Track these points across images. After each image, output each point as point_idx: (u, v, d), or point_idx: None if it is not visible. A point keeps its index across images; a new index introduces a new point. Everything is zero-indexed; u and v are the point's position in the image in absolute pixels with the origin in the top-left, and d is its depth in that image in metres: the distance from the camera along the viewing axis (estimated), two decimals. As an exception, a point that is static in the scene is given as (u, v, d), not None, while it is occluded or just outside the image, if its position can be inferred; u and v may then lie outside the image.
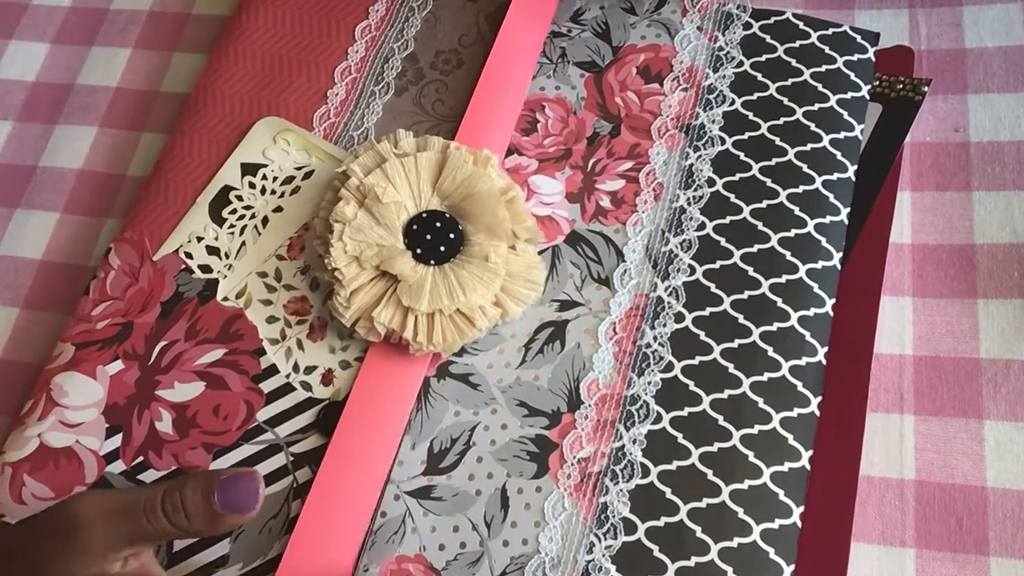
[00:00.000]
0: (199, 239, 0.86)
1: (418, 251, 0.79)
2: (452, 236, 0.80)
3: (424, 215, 0.80)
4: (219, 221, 0.87)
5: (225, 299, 0.84)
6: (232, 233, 0.86)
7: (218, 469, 0.75)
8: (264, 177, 0.89)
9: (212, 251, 0.86)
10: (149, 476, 0.78)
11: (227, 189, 0.88)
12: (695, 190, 0.82)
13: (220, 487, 0.70)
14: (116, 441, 0.79)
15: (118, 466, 0.79)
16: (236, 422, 0.79)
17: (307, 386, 0.80)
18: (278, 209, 0.87)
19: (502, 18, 0.93)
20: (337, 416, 0.77)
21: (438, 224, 0.80)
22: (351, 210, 0.80)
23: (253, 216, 0.87)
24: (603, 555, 0.70)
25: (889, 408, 0.80)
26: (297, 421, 0.79)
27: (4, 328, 0.93)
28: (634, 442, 0.74)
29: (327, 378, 0.80)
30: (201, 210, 0.87)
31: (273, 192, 0.88)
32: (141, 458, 0.79)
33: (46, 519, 0.70)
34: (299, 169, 0.89)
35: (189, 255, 0.86)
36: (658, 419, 0.74)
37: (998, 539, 0.74)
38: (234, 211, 0.87)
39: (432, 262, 0.79)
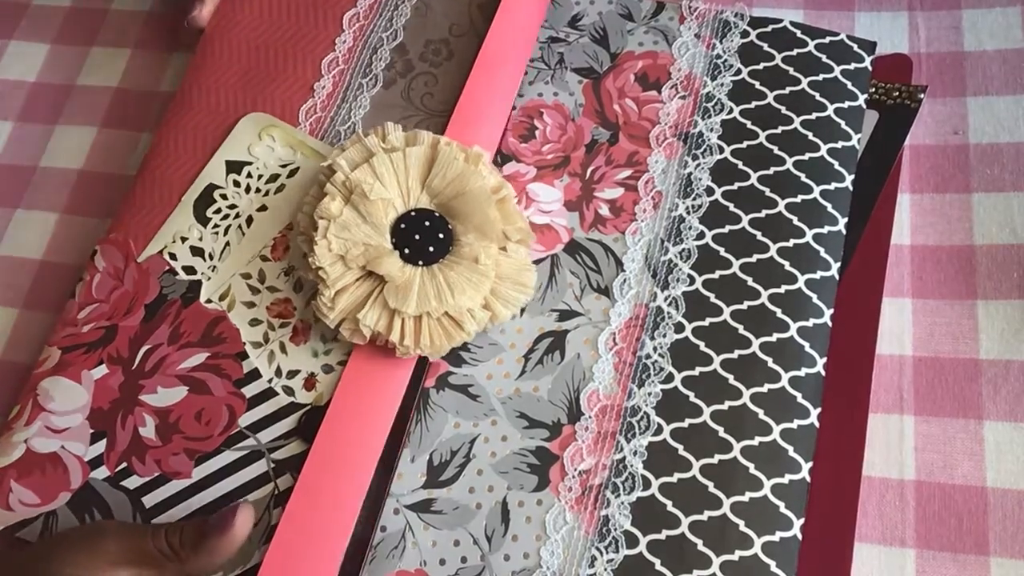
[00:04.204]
0: (183, 239, 0.86)
1: (406, 251, 0.78)
2: (441, 236, 0.79)
3: (412, 213, 0.80)
4: (203, 221, 0.87)
5: (208, 301, 0.83)
6: (216, 233, 0.86)
7: None
8: (249, 175, 0.88)
9: (196, 252, 0.86)
10: (132, 483, 0.78)
11: (212, 188, 0.88)
12: (694, 199, 0.82)
13: (212, 517, 0.73)
14: (100, 447, 0.80)
15: (102, 472, 0.79)
16: (218, 427, 0.79)
17: (289, 391, 0.80)
18: (262, 208, 0.87)
19: (495, 9, 0.92)
20: (319, 422, 0.77)
21: (427, 223, 0.79)
22: (336, 206, 0.79)
23: (238, 216, 0.87)
24: (605, 569, 0.70)
25: (889, 408, 0.80)
26: (279, 427, 0.79)
27: (4, 328, 0.93)
28: (635, 454, 0.74)
29: (310, 383, 0.80)
30: (186, 209, 0.87)
31: (258, 191, 0.87)
32: (124, 464, 0.79)
33: (73, 529, 0.74)
34: (284, 167, 0.88)
35: (173, 256, 0.86)
36: (659, 431, 0.74)
37: (998, 539, 0.75)
38: (219, 210, 0.87)
39: (420, 263, 0.78)
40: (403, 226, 0.79)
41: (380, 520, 0.75)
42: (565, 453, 0.74)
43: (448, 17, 0.94)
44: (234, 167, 0.88)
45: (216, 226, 0.86)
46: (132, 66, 1.06)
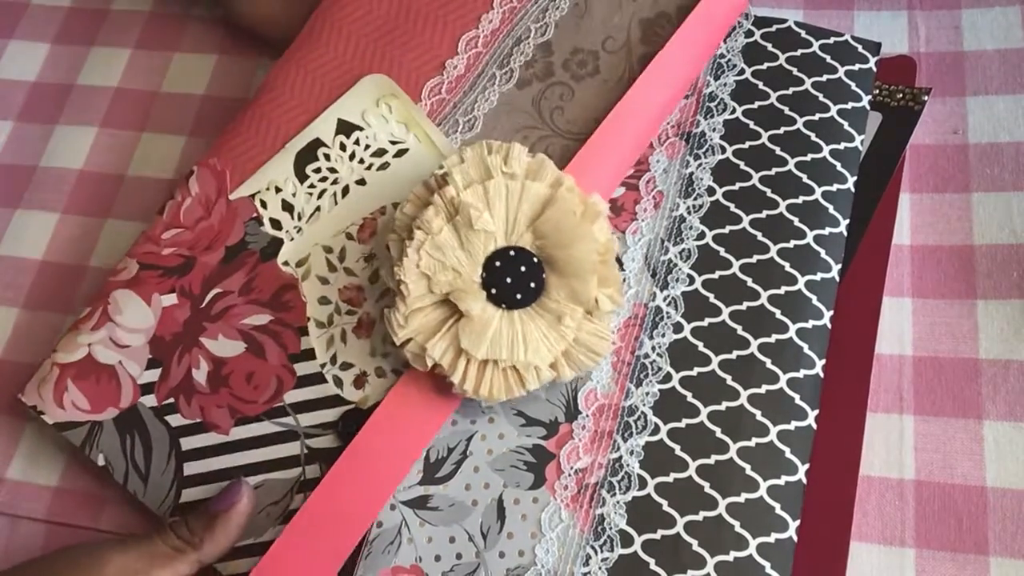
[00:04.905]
0: (278, 190, 0.85)
1: (493, 291, 0.74)
2: (533, 285, 0.75)
3: (512, 253, 0.75)
4: (301, 177, 0.85)
5: (286, 264, 0.83)
6: (310, 194, 0.85)
7: None
8: (357, 142, 0.86)
9: (286, 207, 0.85)
10: (175, 420, 0.80)
11: (318, 143, 0.86)
12: (695, 199, 0.82)
13: (212, 500, 0.75)
14: (154, 375, 0.81)
15: (150, 400, 0.80)
16: (264, 396, 0.80)
17: (339, 382, 0.79)
18: (361, 182, 0.85)
19: (658, 29, 0.89)
20: (358, 424, 0.77)
21: (523, 268, 0.75)
22: (438, 224, 0.74)
23: (336, 182, 0.85)
24: (599, 568, 0.71)
25: (889, 408, 0.80)
26: (320, 415, 0.79)
27: (4, 328, 0.93)
28: (631, 453, 0.74)
29: (359, 381, 0.79)
30: (287, 158, 0.86)
31: (361, 161, 0.85)
32: (172, 400, 0.80)
33: (74, 550, 0.73)
34: (394, 143, 0.86)
35: (264, 204, 0.85)
36: (656, 430, 0.74)
37: (998, 539, 0.75)
38: (318, 170, 0.85)
39: (503, 306, 0.75)
40: (498, 264, 0.75)
41: (376, 515, 0.75)
42: (562, 451, 0.75)
43: (605, 27, 0.90)
44: (344, 128, 0.87)
45: (312, 186, 0.85)
46: (132, 66, 1.06)
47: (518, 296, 0.74)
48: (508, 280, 0.75)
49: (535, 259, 0.75)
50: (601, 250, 0.75)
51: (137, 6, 1.10)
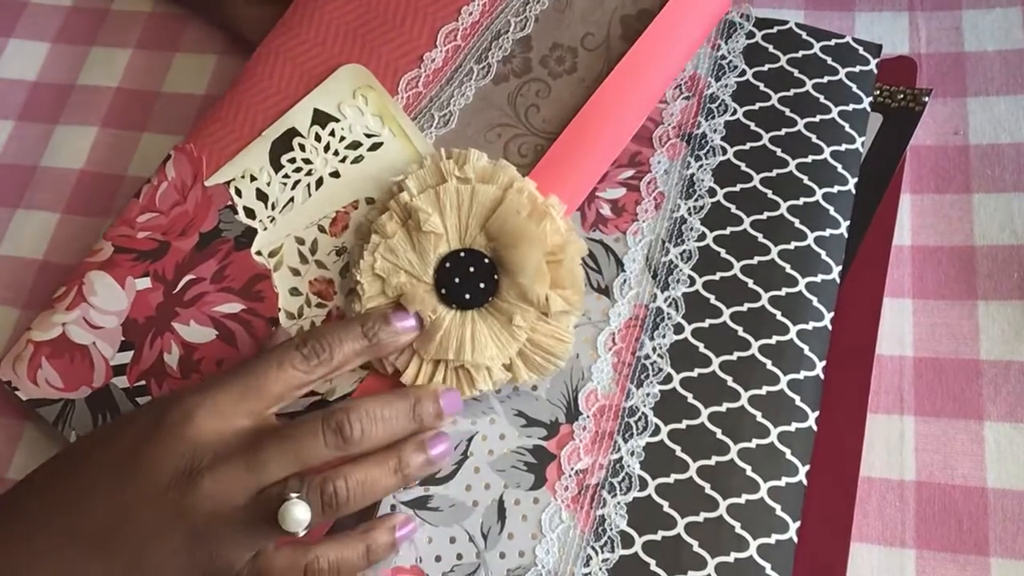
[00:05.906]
0: (252, 178, 0.85)
1: (443, 291, 0.77)
2: (483, 285, 0.77)
3: (462, 254, 0.78)
4: (276, 166, 0.85)
5: (258, 253, 0.83)
6: (284, 184, 0.85)
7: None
8: (332, 133, 0.86)
9: (260, 196, 0.85)
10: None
11: (293, 133, 0.86)
12: (696, 200, 0.82)
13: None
14: (126, 357, 0.81)
15: (122, 381, 0.81)
16: None
17: None
18: (335, 174, 0.85)
19: (638, 27, 0.88)
20: None
21: (472, 268, 0.77)
22: (392, 227, 0.78)
23: (310, 173, 0.85)
24: (600, 568, 0.71)
25: (889, 409, 0.80)
26: (287, 406, 0.77)
27: (4, 328, 0.92)
28: (632, 454, 0.74)
29: None
30: (263, 146, 0.86)
31: (336, 153, 0.85)
32: (144, 382, 0.80)
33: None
34: (368, 137, 0.86)
35: (239, 192, 0.85)
36: (656, 431, 0.74)
37: (998, 540, 0.75)
38: (293, 160, 0.85)
39: (454, 306, 0.77)
40: (447, 265, 0.77)
41: (376, 516, 0.75)
42: (562, 452, 0.75)
43: (586, 22, 0.89)
44: (320, 118, 0.87)
45: (286, 176, 0.85)
46: (132, 66, 1.06)
47: (467, 296, 0.76)
48: (456, 280, 0.76)
49: (486, 260, 0.77)
50: (553, 249, 0.77)
51: (137, 6, 1.10)
